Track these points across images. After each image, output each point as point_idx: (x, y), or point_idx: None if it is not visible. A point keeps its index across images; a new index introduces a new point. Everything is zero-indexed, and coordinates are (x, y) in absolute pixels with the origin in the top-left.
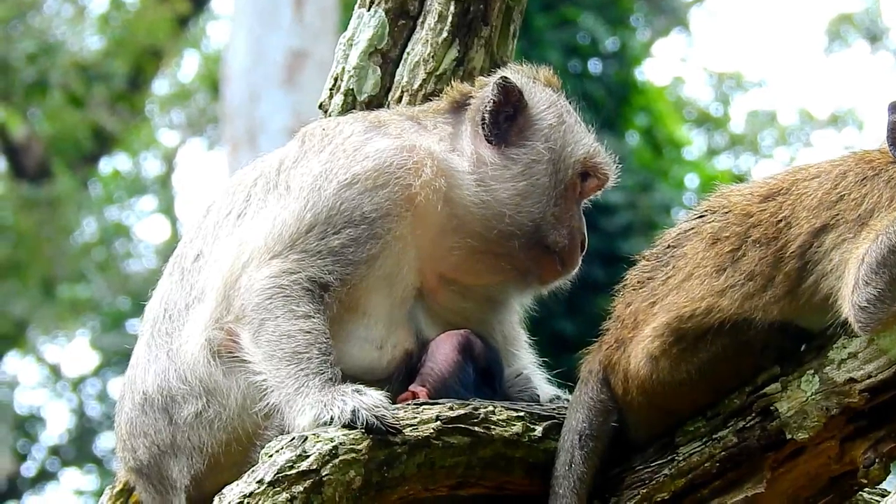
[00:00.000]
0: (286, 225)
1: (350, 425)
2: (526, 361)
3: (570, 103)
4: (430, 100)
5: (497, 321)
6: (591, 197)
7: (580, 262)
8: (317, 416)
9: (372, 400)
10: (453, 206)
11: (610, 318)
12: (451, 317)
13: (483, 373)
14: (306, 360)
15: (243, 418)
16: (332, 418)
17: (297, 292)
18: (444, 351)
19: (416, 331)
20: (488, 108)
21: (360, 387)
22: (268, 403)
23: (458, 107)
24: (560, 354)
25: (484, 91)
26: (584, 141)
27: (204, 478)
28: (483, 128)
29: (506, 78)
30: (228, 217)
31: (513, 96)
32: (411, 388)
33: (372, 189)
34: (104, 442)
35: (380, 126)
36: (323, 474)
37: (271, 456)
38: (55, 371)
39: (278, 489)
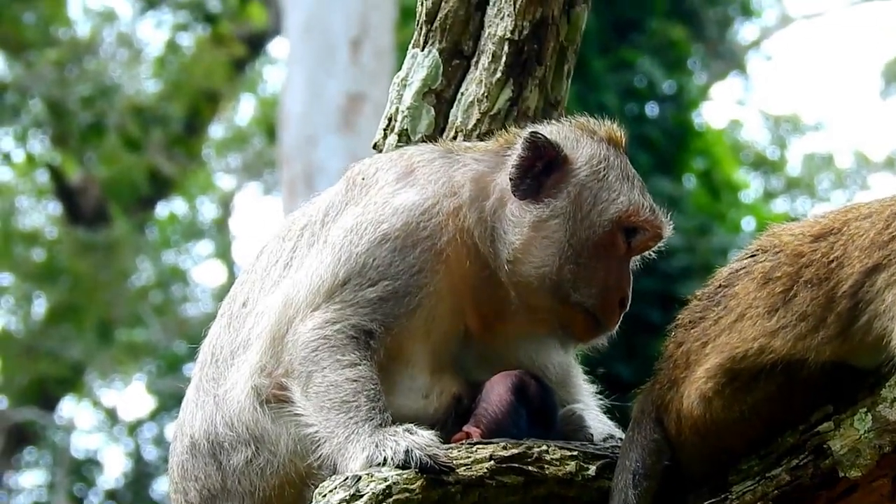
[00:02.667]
0: (322, 279)
1: (404, 465)
2: (581, 399)
3: (623, 158)
4: (484, 140)
5: (549, 359)
6: (649, 251)
7: (618, 321)
8: (369, 457)
9: (424, 439)
10: (482, 256)
11: (662, 358)
12: (501, 357)
13: (537, 413)
14: (355, 408)
15: (295, 463)
16: (385, 459)
17: (341, 341)
18: (497, 392)
19: (465, 374)
20: (514, 163)
21: (411, 426)
22: (321, 455)
23: (505, 150)
24: (617, 397)
25: (518, 143)
26: (622, 198)
27: None
28: (510, 182)
29: (535, 133)
30: (276, 265)
31: (547, 151)
32: (465, 428)
33: (402, 249)
34: (160, 486)
35: (410, 173)
36: None
37: (325, 496)
38: (111, 415)
39: None
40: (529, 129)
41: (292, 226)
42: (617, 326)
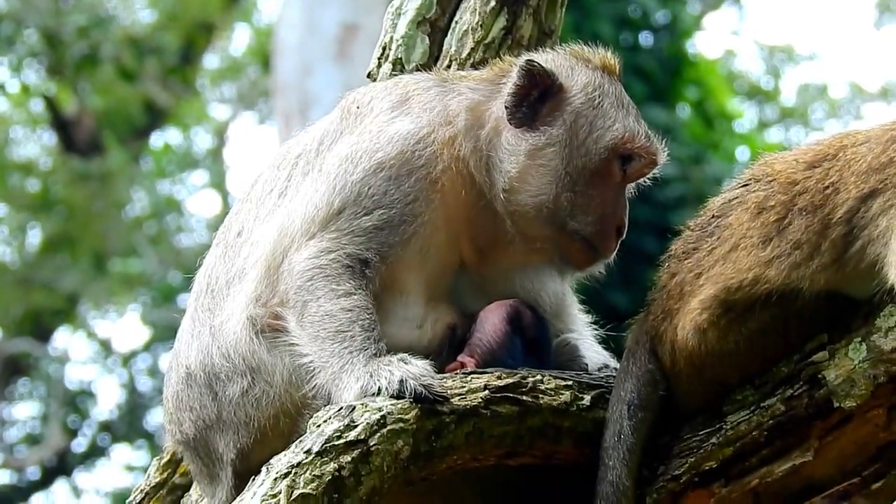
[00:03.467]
0: (318, 208)
1: (398, 395)
2: (576, 328)
3: (618, 86)
4: (478, 69)
5: (544, 288)
6: (645, 178)
7: (614, 248)
8: (363, 387)
9: (418, 369)
10: (477, 186)
11: (656, 289)
12: (496, 286)
13: (532, 343)
14: (349, 338)
15: (291, 393)
16: (379, 388)
17: (336, 270)
18: (492, 321)
19: (460, 303)
20: (510, 91)
21: (406, 356)
22: (315, 385)
23: (500, 78)
24: (613, 326)
25: (514, 72)
26: (617, 125)
27: (250, 451)
28: (505, 110)
29: (530, 61)
30: (271, 194)
31: (542, 79)
32: (459, 358)
33: (396, 178)
34: (155, 417)
35: (404, 101)
36: (371, 444)
37: (319, 426)
38: (106, 346)
39: (326, 459)
40: (525, 57)
41: (287, 154)
42: (614, 254)
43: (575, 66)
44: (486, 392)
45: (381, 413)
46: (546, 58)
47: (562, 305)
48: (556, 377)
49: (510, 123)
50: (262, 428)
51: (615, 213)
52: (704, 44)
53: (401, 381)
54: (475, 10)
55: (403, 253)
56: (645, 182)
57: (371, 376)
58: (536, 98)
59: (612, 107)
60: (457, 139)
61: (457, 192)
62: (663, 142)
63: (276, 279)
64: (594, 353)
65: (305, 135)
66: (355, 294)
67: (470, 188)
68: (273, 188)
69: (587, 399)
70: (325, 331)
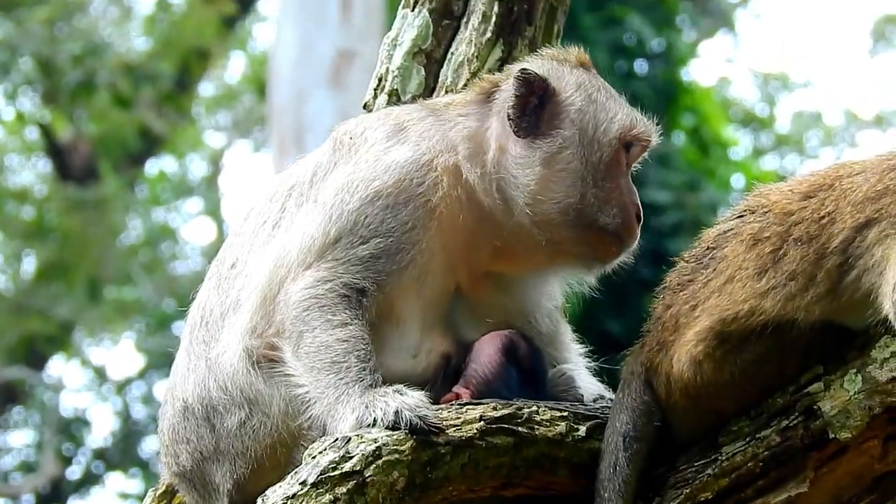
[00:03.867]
0: (314, 238)
1: (393, 426)
2: (570, 358)
3: (600, 79)
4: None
5: (539, 318)
6: (639, 161)
7: (638, 232)
8: (359, 418)
9: (414, 400)
10: (479, 209)
11: (651, 320)
12: (492, 315)
13: (527, 373)
14: (345, 369)
15: (287, 424)
16: (374, 420)
17: (332, 300)
18: (487, 352)
19: (455, 332)
20: (511, 103)
21: (401, 387)
22: (311, 416)
23: (488, 98)
24: (608, 354)
25: (508, 83)
26: (619, 116)
27: (247, 481)
28: (510, 123)
29: (525, 69)
30: (264, 226)
31: (537, 86)
32: (455, 389)
33: (394, 206)
34: (149, 445)
35: (400, 131)
36: (366, 475)
37: (315, 457)
38: (100, 373)
39: (321, 490)
40: (517, 66)
41: (280, 187)
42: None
43: (559, 67)
44: (482, 423)
45: (377, 444)
46: (534, 65)
47: (556, 335)
48: (551, 408)
49: (517, 136)
50: (258, 458)
51: (633, 199)
52: (699, 71)
53: (396, 413)
54: (471, 41)
55: (400, 281)
56: (637, 167)
57: (367, 407)
58: (536, 105)
59: (606, 99)
60: (461, 167)
61: (454, 218)
62: (658, 168)
63: (273, 310)
64: (589, 384)
65: (297, 167)
66: (351, 324)
67: (468, 212)
68: (266, 220)
69: (583, 430)
70: (321, 362)
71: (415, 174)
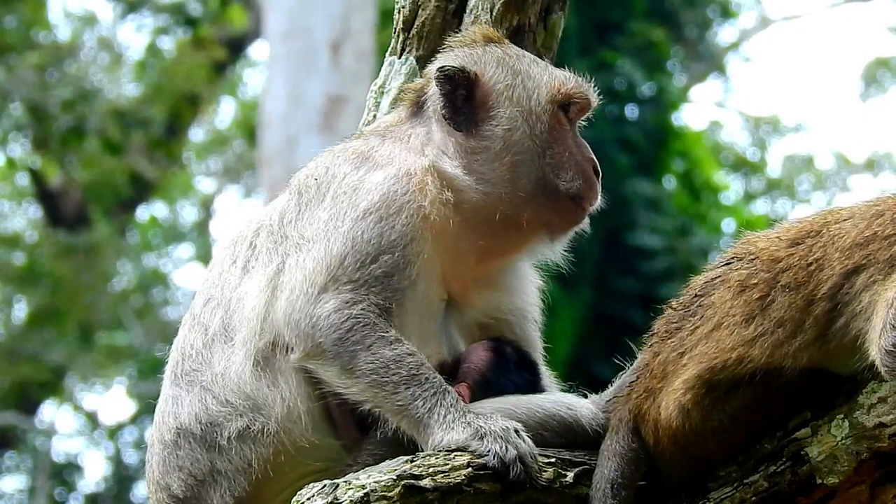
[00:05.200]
0: (318, 262)
1: (503, 467)
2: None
3: (513, 47)
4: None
5: (525, 326)
6: (582, 119)
7: (599, 186)
8: (470, 439)
9: (526, 447)
10: (463, 212)
11: (638, 368)
12: (481, 322)
13: (519, 361)
14: (425, 380)
15: (289, 428)
16: (497, 459)
17: (374, 319)
18: (478, 352)
19: (448, 343)
20: (441, 103)
21: (518, 425)
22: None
23: (418, 108)
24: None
25: (432, 86)
26: (545, 79)
27: (246, 503)
28: (448, 122)
29: (441, 67)
30: (234, 265)
31: (459, 78)
32: (454, 388)
33: (387, 218)
34: (141, 490)
35: (366, 160)
36: None
37: (302, 503)
38: (92, 419)
39: None
40: (433, 66)
41: (242, 232)
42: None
43: (472, 51)
44: (469, 469)
45: (365, 490)
46: (446, 59)
47: (536, 343)
48: (539, 454)
49: (458, 132)
50: (260, 470)
51: (585, 156)
52: (690, 116)
53: (521, 459)
54: None
55: (413, 295)
56: (583, 124)
57: (487, 437)
58: (465, 96)
59: (528, 66)
60: (441, 168)
61: (446, 222)
62: (647, 210)
63: (287, 333)
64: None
65: (256, 216)
66: (403, 340)
67: (457, 215)
68: (235, 260)
69: (570, 476)
70: (397, 376)
71: (397, 185)
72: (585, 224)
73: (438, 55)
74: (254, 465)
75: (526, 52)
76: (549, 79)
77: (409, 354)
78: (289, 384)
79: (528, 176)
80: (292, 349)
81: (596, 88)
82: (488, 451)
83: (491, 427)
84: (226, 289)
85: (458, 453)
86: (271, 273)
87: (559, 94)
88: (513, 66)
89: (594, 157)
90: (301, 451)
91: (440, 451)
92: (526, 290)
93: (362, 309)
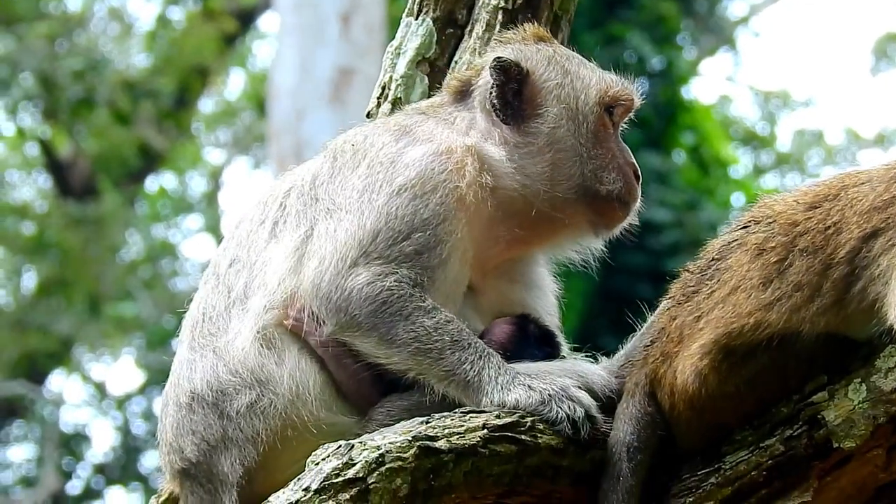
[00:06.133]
0: (350, 235)
1: (576, 430)
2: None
3: (563, 48)
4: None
5: (542, 313)
6: (625, 120)
7: (640, 190)
8: (535, 394)
9: (590, 400)
10: (498, 196)
11: (654, 331)
12: (498, 308)
13: (541, 336)
14: (468, 345)
15: (297, 406)
16: (569, 422)
17: (408, 290)
18: (500, 327)
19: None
20: (494, 94)
21: (570, 381)
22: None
23: (463, 96)
24: None
25: (483, 76)
26: (594, 81)
27: (256, 472)
28: (496, 114)
29: (499, 58)
30: (263, 225)
31: (513, 71)
32: None
33: (422, 196)
34: (149, 460)
35: (407, 132)
36: (369, 482)
37: (318, 464)
38: (100, 389)
39: (324, 497)
40: (491, 56)
41: (273, 192)
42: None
43: (524, 47)
44: (485, 431)
45: (380, 451)
46: (502, 51)
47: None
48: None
49: (504, 124)
50: (268, 443)
51: (627, 160)
52: (700, 90)
53: (588, 416)
54: (475, 49)
55: (442, 275)
56: (625, 128)
57: (550, 399)
58: (516, 91)
59: (576, 67)
60: (482, 152)
61: (482, 206)
62: (656, 184)
63: (316, 303)
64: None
65: (289, 175)
66: (441, 308)
67: (491, 199)
68: (264, 220)
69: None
70: (439, 342)
71: (436, 163)
72: (632, 219)
73: (490, 48)
74: (262, 437)
75: (574, 53)
76: (598, 81)
77: (449, 321)
78: (295, 362)
79: (568, 175)
80: (324, 322)
81: (605, 62)
82: (558, 417)
83: (552, 388)
84: (252, 251)
85: (473, 415)
86: (298, 240)
87: (606, 96)
88: (563, 66)
89: (636, 163)
90: (309, 428)
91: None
92: (543, 292)
93: (395, 281)
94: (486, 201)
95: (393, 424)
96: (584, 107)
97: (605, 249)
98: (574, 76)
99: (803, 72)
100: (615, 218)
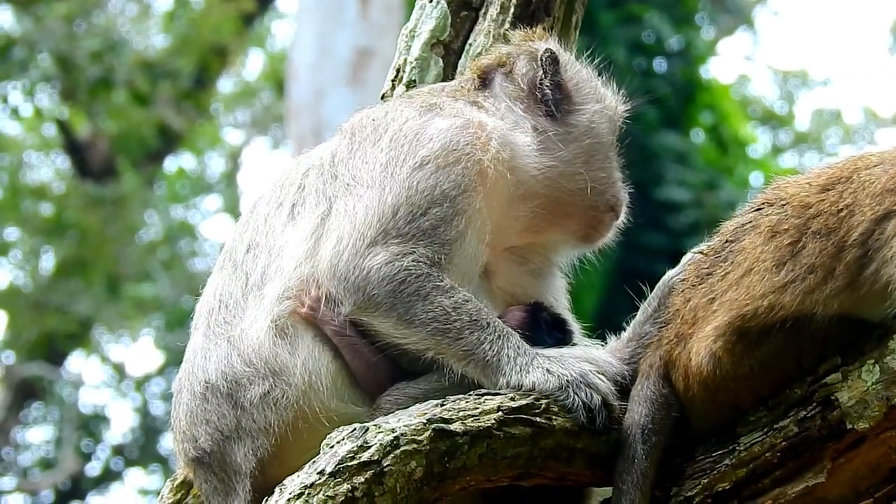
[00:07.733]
0: (370, 212)
1: (591, 418)
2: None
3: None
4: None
5: (552, 299)
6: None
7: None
8: (550, 377)
9: (608, 386)
10: (519, 175)
11: (669, 313)
12: (509, 291)
13: (554, 322)
14: (487, 325)
15: (309, 396)
16: (584, 410)
17: (426, 270)
18: (513, 312)
19: None
20: (546, 83)
21: (591, 366)
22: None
23: (488, 82)
24: None
25: (521, 65)
26: (610, 92)
27: (269, 463)
28: (543, 102)
29: (549, 49)
30: (281, 208)
31: (560, 64)
32: None
33: (445, 167)
34: (168, 441)
35: (433, 108)
36: (384, 465)
37: (332, 447)
38: (119, 370)
39: (339, 480)
40: (542, 46)
41: (290, 173)
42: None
43: (552, 44)
44: (500, 413)
45: (395, 434)
46: (547, 44)
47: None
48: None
49: (547, 115)
50: (281, 433)
51: (622, 176)
52: (718, 69)
53: (605, 403)
54: (489, 32)
55: (459, 250)
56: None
57: (568, 386)
58: (556, 84)
59: (594, 74)
60: (498, 128)
61: (502, 181)
62: (677, 168)
63: (333, 285)
64: None
65: (306, 157)
66: (458, 288)
67: (511, 176)
68: (282, 202)
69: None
70: (458, 322)
71: (461, 135)
72: (608, 239)
73: (515, 44)
74: (275, 428)
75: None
76: (613, 95)
77: (467, 301)
78: (308, 351)
79: (601, 167)
80: (341, 302)
81: (624, 42)
82: (575, 405)
83: (570, 374)
84: (270, 235)
85: (488, 397)
86: (316, 221)
87: (622, 111)
88: (589, 72)
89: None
90: (321, 419)
91: (514, 389)
92: (553, 279)
93: (413, 260)
94: (505, 177)
95: None
96: (614, 113)
97: (624, 227)
98: (600, 84)
99: (821, 51)
100: (602, 231)
